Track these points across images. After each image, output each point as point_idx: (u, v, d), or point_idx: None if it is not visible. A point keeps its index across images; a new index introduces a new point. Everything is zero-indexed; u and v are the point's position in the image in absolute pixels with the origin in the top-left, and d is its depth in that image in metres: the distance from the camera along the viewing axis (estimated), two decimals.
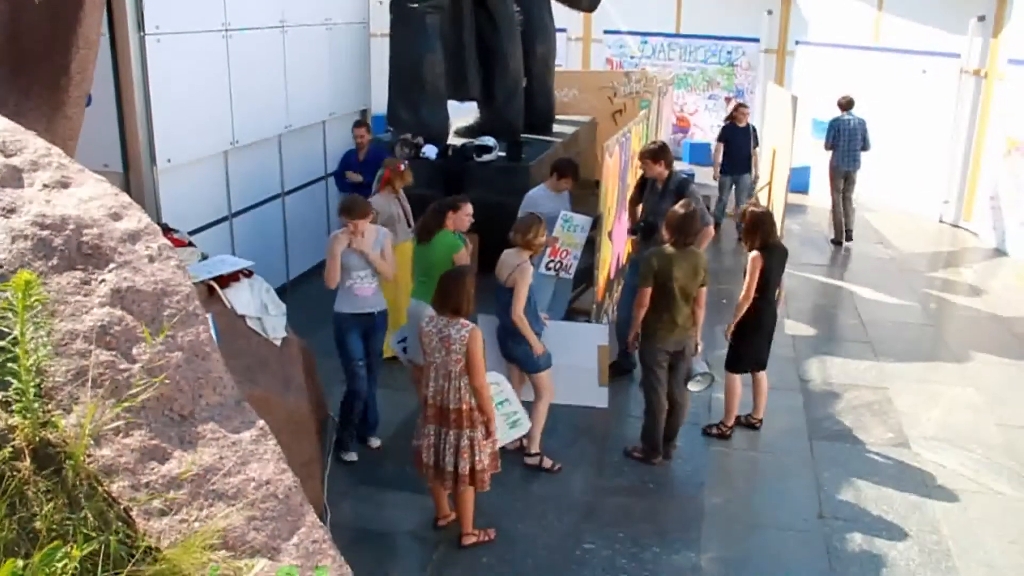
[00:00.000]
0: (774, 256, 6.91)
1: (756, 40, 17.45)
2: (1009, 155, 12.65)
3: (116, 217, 3.04)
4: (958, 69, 13.70)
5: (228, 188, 8.94)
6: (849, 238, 12.82)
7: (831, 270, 11.69)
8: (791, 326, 9.63)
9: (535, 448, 6.60)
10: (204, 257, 6.12)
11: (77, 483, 2.25)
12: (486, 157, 10.57)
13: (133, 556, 2.18)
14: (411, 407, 6.99)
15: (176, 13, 7.83)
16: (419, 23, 10.64)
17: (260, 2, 9.18)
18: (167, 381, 2.69)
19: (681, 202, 6.81)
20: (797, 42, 16.92)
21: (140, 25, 7.49)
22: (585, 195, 9.54)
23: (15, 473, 2.17)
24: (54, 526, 2.14)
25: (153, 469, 2.50)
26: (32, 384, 2.29)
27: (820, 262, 12.06)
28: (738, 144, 12.58)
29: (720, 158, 12.75)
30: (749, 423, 7.29)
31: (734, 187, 12.79)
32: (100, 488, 2.31)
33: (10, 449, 2.21)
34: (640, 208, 8.07)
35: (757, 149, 12.76)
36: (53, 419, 2.38)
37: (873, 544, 5.84)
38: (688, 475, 6.72)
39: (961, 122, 13.76)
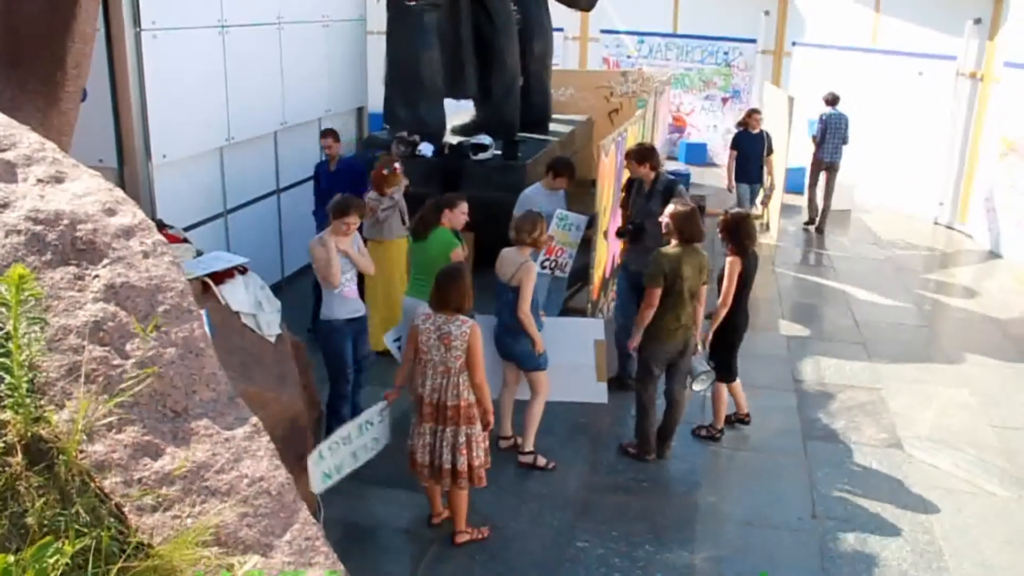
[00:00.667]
0: (752, 261, 6.90)
1: (753, 41, 17.47)
2: (1004, 157, 12.68)
3: (110, 213, 3.03)
4: (954, 71, 13.73)
5: (224, 184, 8.93)
6: (822, 223, 13.48)
7: (826, 271, 11.70)
8: (785, 326, 9.65)
9: (529, 446, 6.61)
10: (199, 253, 6.10)
11: (69, 479, 2.25)
12: (482, 155, 10.56)
13: (125, 552, 2.17)
14: (403, 404, 6.97)
15: (172, 9, 7.82)
16: (416, 20, 10.62)
17: None
18: (160, 377, 2.68)
19: (680, 201, 6.82)
20: (794, 43, 16.94)
21: (136, 20, 7.48)
22: (581, 194, 9.54)
23: (7, 468, 2.17)
24: (46, 521, 2.14)
25: (146, 465, 2.50)
26: (25, 379, 2.29)
27: (815, 262, 12.08)
28: (751, 151, 12.23)
29: (733, 166, 12.36)
30: (739, 420, 7.29)
31: (750, 195, 12.41)
32: (92, 484, 2.31)
33: (2, 444, 2.20)
34: (626, 211, 7.97)
35: (771, 157, 12.43)
36: (46, 414, 2.37)
37: (866, 544, 5.85)
38: (682, 474, 6.72)
39: (957, 124, 13.78)
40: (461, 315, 5.38)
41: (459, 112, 12.12)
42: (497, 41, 11.45)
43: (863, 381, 8.30)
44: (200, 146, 8.48)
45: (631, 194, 7.86)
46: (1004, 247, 12.63)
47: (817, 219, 13.47)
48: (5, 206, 2.87)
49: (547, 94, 12.78)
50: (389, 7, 10.86)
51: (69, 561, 1.99)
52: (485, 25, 11.45)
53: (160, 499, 2.43)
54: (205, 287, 5.41)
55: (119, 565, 2.12)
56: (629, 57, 18.33)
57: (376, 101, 11.82)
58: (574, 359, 6.75)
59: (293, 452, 5.35)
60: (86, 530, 2.14)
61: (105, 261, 2.88)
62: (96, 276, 2.83)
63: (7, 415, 2.27)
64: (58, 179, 3.07)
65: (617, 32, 18.42)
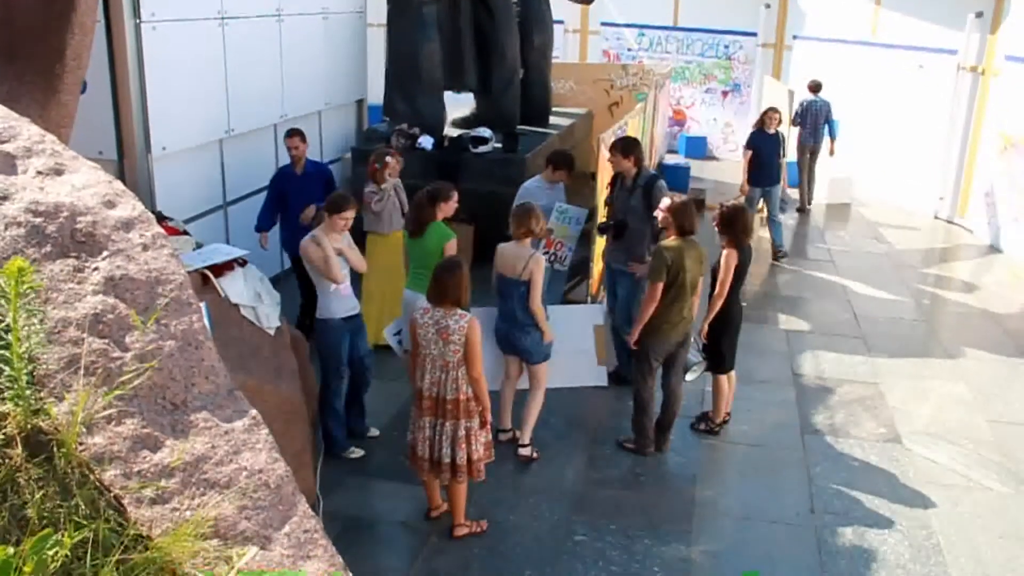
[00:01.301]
0: (747, 253, 6.91)
1: (754, 34, 17.45)
2: (1004, 152, 12.67)
3: (110, 205, 3.03)
4: (955, 65, 13.71)
5: (223, 177, 8.93)
6: (810, 201, 14.17)
7: (825, 265, 11.70)
8: (784, 320, 9.66)
9: (527, 439, 6.62)
10: (198, 246, 6.10)
11: (69, 471, 2.25)
12: (482, 148, 10.56)
13: (124, 544, 2.18)
14: (404, 397, 7.00)
15: (172, 1, 7.80)
16: (416, 13, 10.61)
17: None
18: (160, 369, 2.69)
19: (669, 195, 6.82)
20: (795, 36, 16.92)
21: (136, 12, 7.47)
22: (580, 187, 9.55)
23: (6, 460, 2.18)
24: (45, 513, 2.14)
25: (145, 457, 2.50)
26: (24, 372, 2.29)
27: (814, 257, 12.07)
28: (767, 152, 11.51)
29: (747, 168, 11.69)
30: (723, 421, 7.22)
31: (764, 200, 11.71)
32: (92, 476, 2.32)
33: (2, 436, 2.21)
34: (610, 208, 7.83)
35: (784, 159, 11.85)
36: (45, 407, 2.38)
37: (863, 538, 5.86)
38: (680, 468, 6.74)
39: (957, 118, 13.77)
40: (459, 309, 5.38)
41: (459, 105, 12.11)
42: (497, 34, 11.44)
43: (862, 376, 8.31)
44: (200, 138, 8.48)
45: (614, 190, 7.75)
46: (1004, 242, 12.63)
47: (807, 204, 14.03)
48: (5, 198, 2.87)
49: (547, 87, 12.78)
50: (389, 0, 10.86)
51: (68, 553, 2.00)
52: (485, 18, 11.44)
53: (159, 491, 2.44)
54: (205, 279, 5.42)
55: (118, 557, 2.13)
56: (629, 50, 18.32)
57: (376, 94, 11.81)
58: (575, 345, 6.79)
59: (292, 445, 5.36)
60: (85, 522, 2.15)
61: (104, 253, 2.88)
62: (96, 268, 2.83)
63: (7, 407, 2.27)
64: (57, 171, 3.07)
65: (617, 25, 18.40)
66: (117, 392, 2.52)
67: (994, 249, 12.74)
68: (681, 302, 6.45)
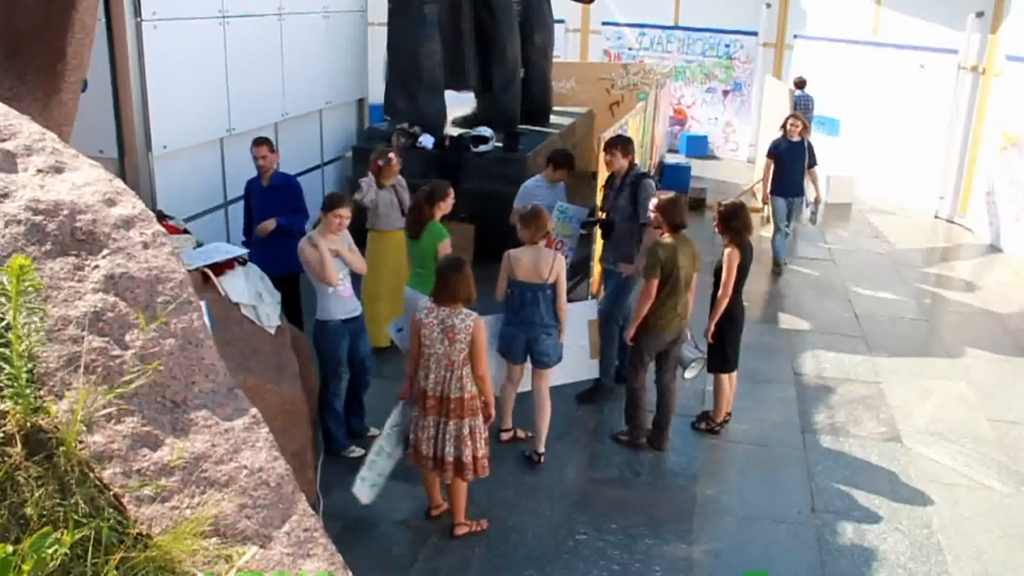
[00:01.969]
0: (748, 251, 6.90)
1: (754, 33, 17.45)
2: (1005, 151, 12.66)
3: (110, 203, 3.03)
4: (956, 65, 13.70)
5: (224, 176, 8.93)
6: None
7: (826, 264, 11.69)
8: (785, 319, 9.66)
9: (543, 446, 6.60)
10: (199, 244, 6.10)
11: (68, 469, 2.25)
12: (483, 147, 10.56)
13: (124, 543, 2.18)
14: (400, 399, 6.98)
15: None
16: (417, 12, 10.61)
17: None
18: (160, 368, 2.68)
19: (659, 192, 6.83)
20: (795, 36, 16.91)
21: (137, 11, 7.47)
22: (581, 186, 9.54)
23: (6, 459, 2.17)
24: (45, 512, 2.14)
25: (145, 456, 2.50)
26: (24, 369, 2.29)
27: (815, 256, 12.06)
28: (790, 161, 10.83)
29: (769, 177, 11.04)
30: (711, 428, 7.20)
31: (787, 209, 11.03)
32: (91, 474, 2.31)
33: (1, 434, 2.20)
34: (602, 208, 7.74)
35: (815, 169, 11.15)
36: (45, 405, 2.37)
37: (864, 537, 5.86)
38: (681, 467, 6.73)
39: (958, 118, 13.76)
40: (464, 308, 5.37)
41: (460, 104, 12.12)
42: (498, 33, 11.44)
43: (862, 375, 8.31)
44: (200, 137, 8.48)
45: (608, 190, 7.64)
46: (1004, 241, 12.62)
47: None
48: (5, 196, 2.86)
49: (548, 86, 12.78)
50: None
51: (68, 552, 2.00)
52: (486, 17, 11.44)
53: (159, 490, 2.43)
54: (205, 278, 5.42)
55: (118, 556, 2.12)
56: (630, 49, 18.32)
57: (377, 92, 11.82)
58: (573, 341, 6.80)
59: (292, 444, 5.36)
60: (85, 521, 2.15)
61: (105, 251, 2.88)
62: (96, 266, 2.83)
63: (6, 405, 2.27)
64: (58, 169, 3.07)
65: (618, 24, 18.40)
66: (117, 391, 2.52)
67: (994, 248, 12.73)
68: (675, 299, 6.48)
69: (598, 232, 7.84)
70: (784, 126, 11.00)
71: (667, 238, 6.48)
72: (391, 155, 7.83)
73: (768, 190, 11.08)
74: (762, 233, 11.91)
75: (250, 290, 5.66)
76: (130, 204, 3.08)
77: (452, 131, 11.19)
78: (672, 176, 15.19)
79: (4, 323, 2.27)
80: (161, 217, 6.41)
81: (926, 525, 6.01)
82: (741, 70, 17.82)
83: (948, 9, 13.67)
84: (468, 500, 5.72)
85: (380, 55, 11.34)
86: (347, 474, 6.33)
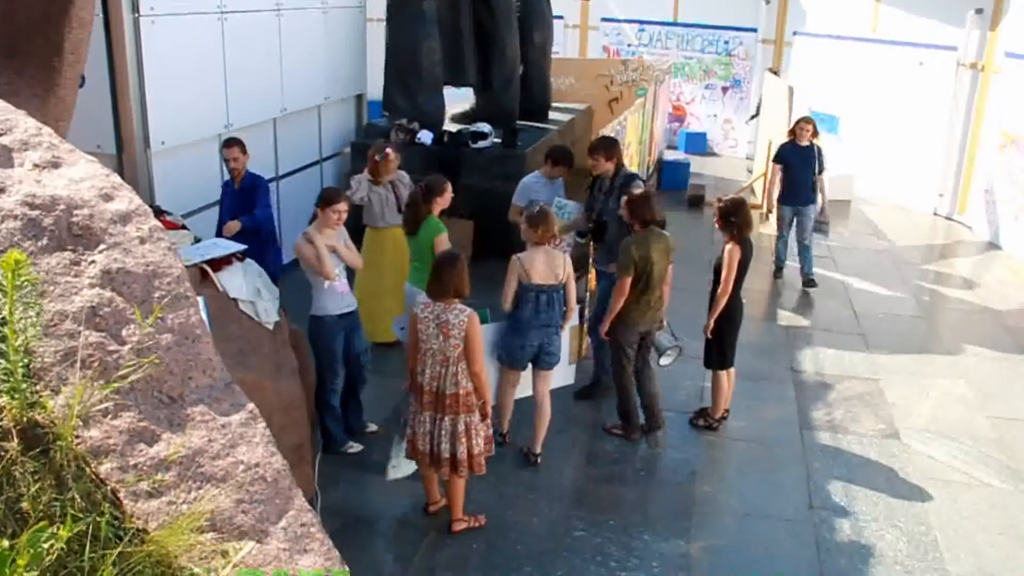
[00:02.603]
0: (749, 248, 6.91)
1: (754, 30, 17.44)
2: (1004, 149, 12.66)
3: (107, 198, 3.02)
4: (955, 62, 13.70)
5: (222, 171, 8.90)
6: None
7: (824, 261, 11.68)
8: (784, 316, 9.66)
9: (540, 447, 6.60)
10: (197, 240, 6.09)
11: (65, 464, 2.25)
12: (481, 144, 10.55)
13: (121, 538, 2.17)
14: (403, 393, 6.97)
15: None
16: (416, 8, 10.60)
17: None
18: (156, 363, 2.68)
19: (633, 188, 6.89)
20: (795, 32, 16.90)
21: (135, 6, 7.45)
22: (579, 183, 9.52)
23: (3, 454, 2.17)
24: (41, 507, 2.14)
25: (141, 451, 2.50)
26: (20, 364, 2.28)
27: (814, 253, 12.02)
28: (799, 167, 10.22)
29: (776, 184, 10.54)
30: (709, 426, 7.19)
31: (795, 221, 10.47)
32: (88, 469, 2.31)
33: None
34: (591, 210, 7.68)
35: (823, 175, 10.43)
36: (41, 400, 2.37)
37: (862, 535, 5.86)
38: (679, 464, 6.73)
39: (957, 115, 13.76)
40: (459, 303, 5.37)
41: (459, 100, 12.09)
42: (497, 29, 11.43)
43: (861, 372, 8.31)
44: (199, 133, 8.46)
45: (593, 191, 7.63)
46: (1003, 239, 12.62)
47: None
48: (1, 191, 2.86)
49: (547, 82, 12.76)
50: None
51: (64, 546, 2.00)
52: (485, 14, 11.43)
53: (156, 485, 2.43)
54: (203, 274, 5.41)
55: (115, 551, 2.12)
56: (629, 46, 18.31)
57: (375, 89, 11.79)
58: None
59: (291, 440, 5.36)
60: (81, 515, 2.14)
61: (101, 247, 2.87)
62: (92, 261, 2.82)
63: (3, 400, 2.27)
64: (54, 164, 3.06)
65: (617, 21, 18.39)
66: (114, 385, 2.51)
67: (993, 246, 12.73)
68: (650, 294, 6.59)
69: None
70: (792, 129, 10.44)
71: (638, 234, 6.56)
72: (388, 151, 7.80)
73: (775, 197, 10.54)
74: (761, 230, 11.91)
75: (248, 286, 5.65)
76: (127, 199, 3.08)
77: (451, 127, 11.18)
78: (671, 173, 15.20)
79: (0, 318, 2.26)
80: (159, 213, 6.40)
81: (924, 523, 6.01)
82: (740, 67, 17.81)
83: (947, 6, 13.66)
84: (466, 496, 5.72)
85: (379, 51, 11.31)
86: (345, 470, 6.35)
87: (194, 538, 2.28)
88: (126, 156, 7.76)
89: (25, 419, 2.26)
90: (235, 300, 5.52)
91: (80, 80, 5.49)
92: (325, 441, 6.53)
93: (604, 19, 18.43)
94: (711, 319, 6.91)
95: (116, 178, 3.16)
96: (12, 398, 2.27)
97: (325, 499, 5.85)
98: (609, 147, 7.47)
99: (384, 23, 10.98)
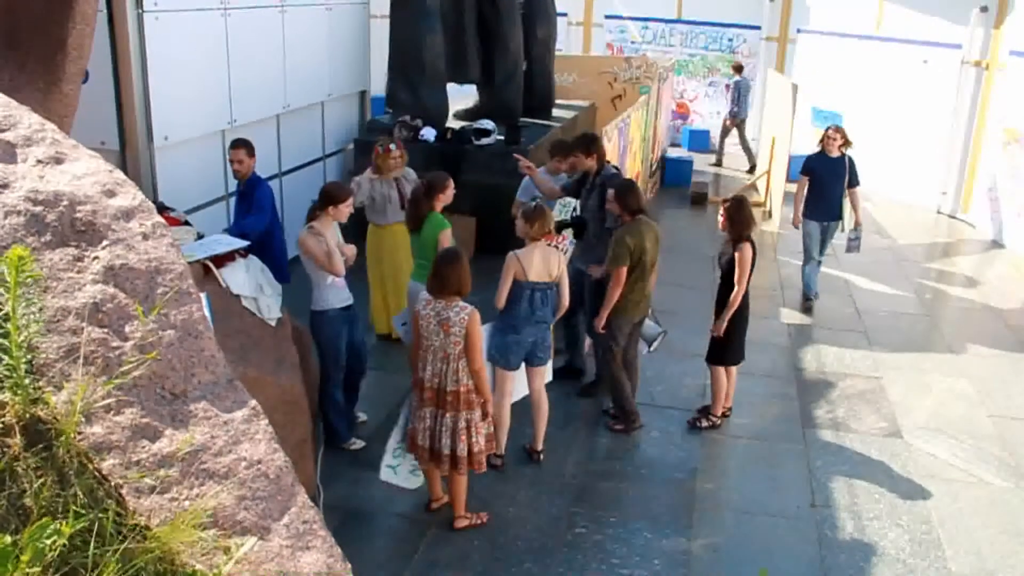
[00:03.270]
0: (754, 246, 6.91)
1: (757, 27, 17.42)
2: (1008, 147, 12.64)
3: (110, 194, 3.02)
4: (959, 60, 13.67)
5: (225, 168, 8.90)
6: (753, 161, 16.30)
7: (827, 259, 11.65)
8: (786, 314, 9.65)
9: (541, 443, 6.60)
10: (200, 236, 6.10)
11: (67, 460, 2.25)
12: (485, 140, 10.55)
13: (123, 534, 2.18)
14: (405, 388, 6.98)
15: None
16: (420, 5, 10.60)
17: None
18: (159, 359, 2.68)
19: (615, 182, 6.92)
20: (799, 30, 16.88)
21: (139, 2, 7.45)
22: None
23: (5, 450, 2.17)
24: (44, 503, 2.14)
25: (144, 447, 2.50)
26: (23, 360, 2.29)
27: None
28: (828, 180, 9.49)
29: (803, 197, 9.71)
30: (711, 423, 7.19)
31: (820, 235, 9.77)
32: (91, 465, 2.31)
33: (0, 425, 2.20)
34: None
35: (857, 189, 9.64)
36: (44, 396, 2.37)
37: (864, 533, 5.86)
38: (680, 461, 6.73)
39: (961, 113, 13.74)
40: (460, 300, 5.37)
41: (462, 97, 12.09)
42: (501, 26, 11.42)
43: (863, 370, 8.31)
44: (202, 129, 8.46)
45: (581, 189, 7.53)
46: (1006, 237, 12.61)
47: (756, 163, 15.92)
48: (4, 186, 2.86)
49: (550, 79, 12.76)
50: None
51: (67, 542, 2.00)
52: (488, 10, 11.42)
53: (158, 481, 2.43)
54: (206, 270, 5.41)
55: (117, 547, 2.12)
56: (633, 43, 18.29)
57: (379, 85, 11.80)
58: None
59: (293, 436, 5.36)
60: (84, 511, 2.14)
61: (104, 243, 2.87)
62: (95, 257, 2.82)
63: (5, 396, 2.27)
64: (58, 160, 3.06)
65: (621, 18, 18.37)
66: (116, 382, 2.52)
67: (996, 244, 12.72)
68: (643, 282, 6.70)
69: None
70: (822, 141, 9.64)
71: (629, 224, 6.62)
72: (391, 145, 7.80)
73: (800, 212, 9.75)
74: (763, 228, 11.90)
75: (251, 282, 5.65)
76: (130, 195, 3.08)
77: (454, 124, 11.18)
78: (674, 170, 15.19)
79: (3, 314, 2.27)
80: (162, 209, 6.41)
81: (926, 520, 6.02)
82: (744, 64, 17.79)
83: (952, 4, 13.64)
84: (468, 493, 5.72)
85: (382, 47, 11.31)
86: (348, 467, 6.35)
87: (196, 534, 2.28)
88: (129, 152, 7.77)
89: (28, 415, 2.26)
90: (237, 296, 5.53)
91: (83, 76, 5.49)
92: (328, 436, 6.54)
93: (608, 16, 18.41)
94: (724, 319, 6.89)
95: (119, 174, 3.16)
96: (15, 394, 2.27)
97: (327, 495, 5.86)
98: (588, 144, 7.36)
99: (387, 19, 10.98)
